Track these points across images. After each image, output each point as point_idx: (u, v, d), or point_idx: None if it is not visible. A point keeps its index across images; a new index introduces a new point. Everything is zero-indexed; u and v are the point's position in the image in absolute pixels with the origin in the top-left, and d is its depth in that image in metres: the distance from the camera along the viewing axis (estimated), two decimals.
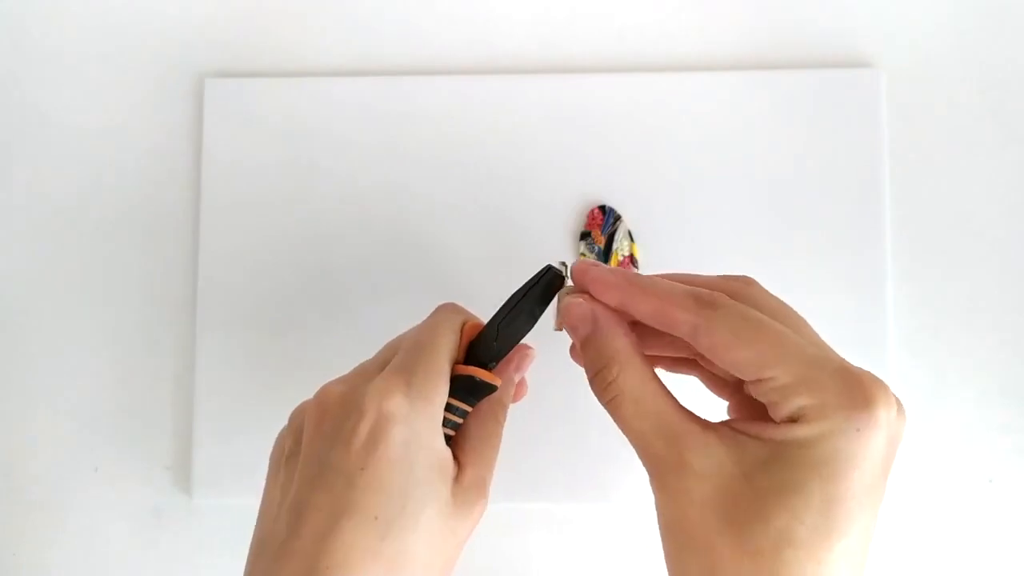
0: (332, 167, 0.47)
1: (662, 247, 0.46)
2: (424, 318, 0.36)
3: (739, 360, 0.30)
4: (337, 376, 0.35)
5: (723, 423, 0.31)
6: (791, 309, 0.32)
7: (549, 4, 0.48)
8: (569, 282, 0.34)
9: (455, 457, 0.34)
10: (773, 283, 0.45)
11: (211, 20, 0.49)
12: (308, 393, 0.34)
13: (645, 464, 0.31)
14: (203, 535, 0.47)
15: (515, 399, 0.38)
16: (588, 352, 0.33)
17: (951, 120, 0.47)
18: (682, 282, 0.32)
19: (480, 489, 0.33)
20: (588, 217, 0.46)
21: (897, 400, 0.29)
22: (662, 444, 0.30)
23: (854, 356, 0.44)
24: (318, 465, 0.32)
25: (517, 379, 0.37)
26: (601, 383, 0.32)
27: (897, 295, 0.45)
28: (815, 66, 0.47)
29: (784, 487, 0.28)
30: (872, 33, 0.47)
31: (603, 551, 0.46)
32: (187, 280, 0.48)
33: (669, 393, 0.31)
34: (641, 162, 0.46)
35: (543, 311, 0.34)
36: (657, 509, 0.31)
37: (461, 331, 0.35)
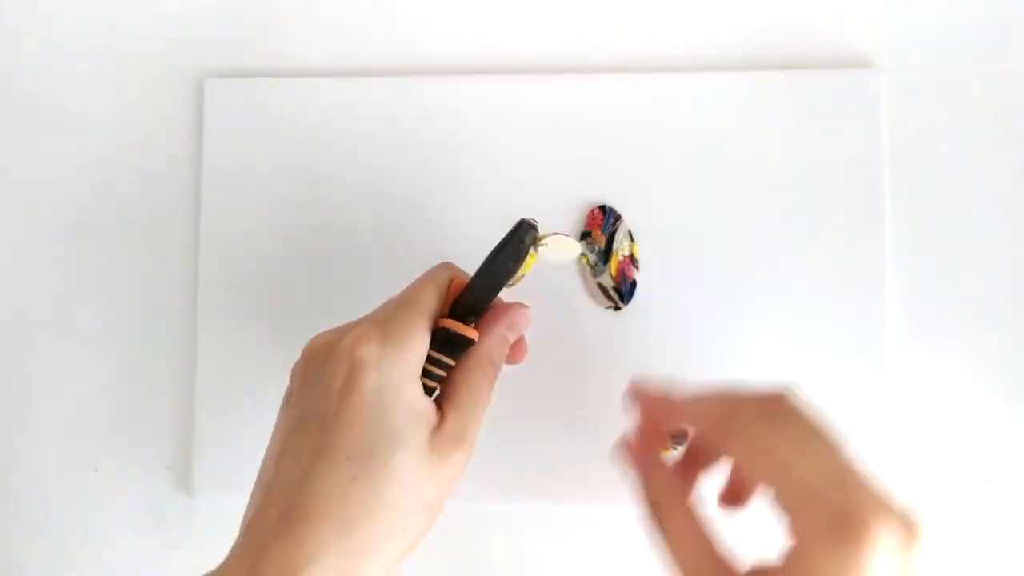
0: (332, 167, 0.47)
1: (662, 247, 0.46)
2: None
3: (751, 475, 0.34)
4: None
5: (752, 570, 0.31)
6: (822, 429, 0.33)
7: (549, 5, 0.48)
8: (546, 239, 0.37)
9: (440, 407, 0.35)
10: (772, 284, 0.45)
11: (211, 20, 0.49)
12: None
13: None
14: (204, 535, 0.47)
15: (513, 360, 0.39)
16: (639, 488, 0.36)
17: (951, 121, 0.46)
18: (716, 396, 0.34)
19: (459, 439, 0.34)
20: (588, 217, 0.46)
21: (908, 530, 0.29)
22: None
23: (853, 357, 0.45)
24: (300, 411, 0.34)
25: (512, 338, 0.38)
26: (649, 518, 0.35)
27: (896, 296, 0.45)
28: (815, 67, 0.47)
29: None
30: (872, 34, 0.47)
31: (600, 553, 0.46)
32: (187, 280, 0.48)
33: (707, 539, 0.33)
34: (641, 162, 0.46)
35: (518, 267, 0.36)
36: None
37: (449, 288, 0.37)
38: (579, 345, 0.45)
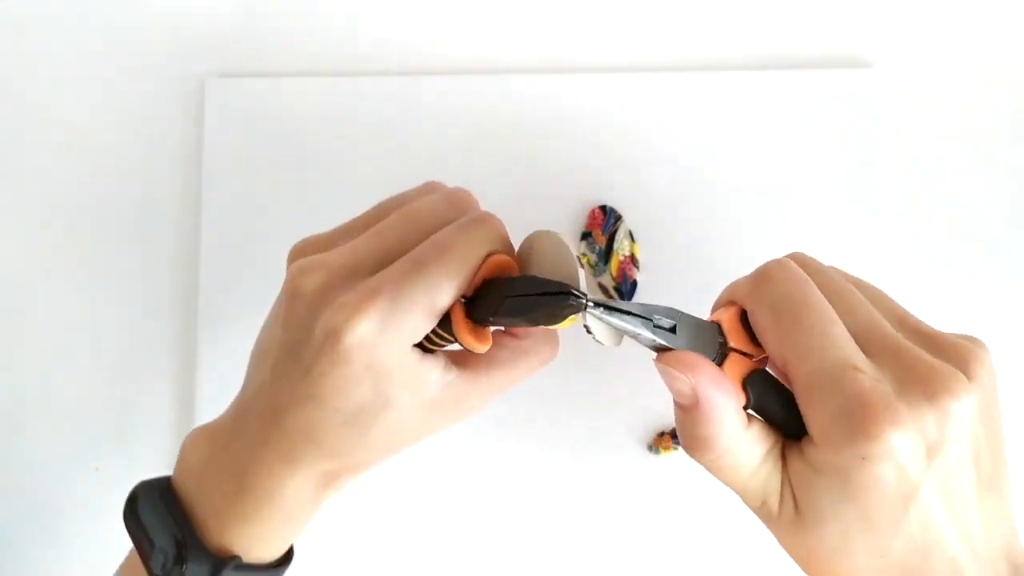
0: (333, 167, 0.47)
1: (662, 247, 0.46)
2: (459, 207, 0.34)
3: (769, 347, 0.30)
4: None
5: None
6: (859, 284, 0.32)
7: (549, 5, 0.48)
8: (592, 312, 0.30)
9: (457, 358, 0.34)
10: None
11: (212, 20, 0.49)
12: None
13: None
14: None
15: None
16: (685, 422, 0.31)
17: (951, 122, 0.47)
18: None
19: (463, 397, 0.33)
20: (589, 217, 0.46)
21: (932, 439, 0.27)
22: (758, 505, 0.31)
23: None
24: (287, 349, 0.32)
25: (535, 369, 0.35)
26: (698, 453, 0.31)
27: (897, 298, 0.45)
28: (813, 67, 0.47)
29: (822, 517, 0.28)
30: (871, 34, 0.47)
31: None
32: (188, 280, 0.48)
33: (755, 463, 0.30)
34: (641, 162, 0.46)
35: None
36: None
37: (483, 262, 0.32)
38: (579, 345, 0.45)
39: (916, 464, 0.27)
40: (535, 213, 0.46)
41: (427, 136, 0.47)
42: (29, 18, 0.50)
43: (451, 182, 0.47)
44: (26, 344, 0.48)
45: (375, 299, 0.30)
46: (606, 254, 0.45)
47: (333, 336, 0.30)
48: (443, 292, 0.31)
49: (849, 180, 0.45)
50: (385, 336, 0.30)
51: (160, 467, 0.47)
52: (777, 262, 0.32)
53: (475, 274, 0.32)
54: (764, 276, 0.31)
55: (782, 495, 0.30)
